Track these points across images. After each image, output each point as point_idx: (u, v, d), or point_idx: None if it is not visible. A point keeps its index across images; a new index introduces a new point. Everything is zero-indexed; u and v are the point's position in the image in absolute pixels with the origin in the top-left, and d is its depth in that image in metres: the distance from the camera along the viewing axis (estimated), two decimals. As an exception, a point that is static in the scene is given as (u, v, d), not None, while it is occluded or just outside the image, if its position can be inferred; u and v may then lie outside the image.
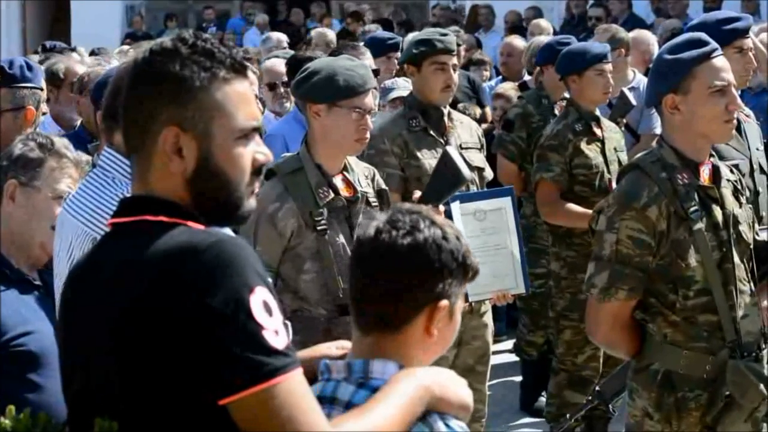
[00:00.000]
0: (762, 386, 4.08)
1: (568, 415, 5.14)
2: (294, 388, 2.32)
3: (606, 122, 6.96)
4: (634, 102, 7.74)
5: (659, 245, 4.09)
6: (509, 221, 5.80)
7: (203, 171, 2.46)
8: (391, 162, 5.95)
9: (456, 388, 2.60)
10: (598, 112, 6.87)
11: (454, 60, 6.13)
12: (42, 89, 5.39)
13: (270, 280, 2.41)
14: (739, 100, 4.23)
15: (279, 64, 7.83)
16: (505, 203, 5.82)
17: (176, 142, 2.45)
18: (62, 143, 3.90)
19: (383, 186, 5.14)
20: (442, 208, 5.14)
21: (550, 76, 7.56)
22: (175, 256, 2.35)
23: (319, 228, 4.82)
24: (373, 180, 5.10)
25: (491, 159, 6.85)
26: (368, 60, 7.05)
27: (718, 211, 4.18)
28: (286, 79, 7.58)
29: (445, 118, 6.11)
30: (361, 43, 8.14)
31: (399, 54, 7.99)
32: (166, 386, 2.34)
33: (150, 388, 2.35)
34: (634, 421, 4.24)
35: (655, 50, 9.22)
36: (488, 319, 6.09)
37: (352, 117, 4.83)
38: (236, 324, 2.29)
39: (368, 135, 4.91)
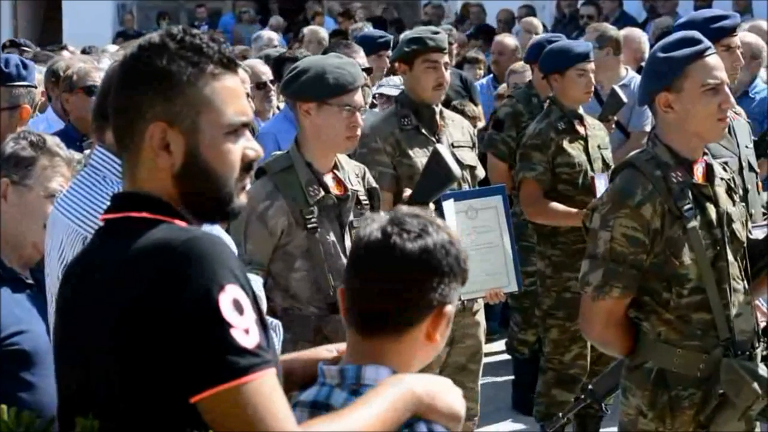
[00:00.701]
0: (756, 385, 4.07)
1: (560, 414, 5.12)
2: (261, 389, 2.27)
3: (589, 120, 6.93)
4: (625, 99, 7.72)
5: (653, 243, 4.08)
6: (501, 219, 5.81)
7: (191, 166, 2.44)
8: (383, 160, 5.93)
9: (447, 396, 2.53)
10: (581, 110, 6.86)
11: (446, 58, 6.12)
12: (36, 87, 5.39)
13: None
14: (732, 99, 4.22)
15: (259, 64, 7.85)
16: (497, 201, 5.83)
17: (163, 137, 2.43)
18: (54, 142, 3.89)
19: (374, 184, 5.14)
20: (432, 206, 5.14)
21: (539, 74, 7.54)
22: (149, 254, 2.34)
23: (309, 226, 4.81)
24: (363, 178, 5.09)
25: (482, 158, 6.84)
26: (361, 58, 7.04)
27: (712, 210, 4.18)
28: (265, 79, 7.60)
29: (437, 117, 6.10)
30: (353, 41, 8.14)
31: (390, 52, 7.98)
32: (156, 385, 2.32)
33: (145, 387, 2.33)
34: (628, 420, 4.23)
35: (647, 48, 9.23)
36: (481, 317, 6.08)
37: (342, 114, 4.82)
38: (203, 322, 2.27)
39: (359, 132, 4.91)
